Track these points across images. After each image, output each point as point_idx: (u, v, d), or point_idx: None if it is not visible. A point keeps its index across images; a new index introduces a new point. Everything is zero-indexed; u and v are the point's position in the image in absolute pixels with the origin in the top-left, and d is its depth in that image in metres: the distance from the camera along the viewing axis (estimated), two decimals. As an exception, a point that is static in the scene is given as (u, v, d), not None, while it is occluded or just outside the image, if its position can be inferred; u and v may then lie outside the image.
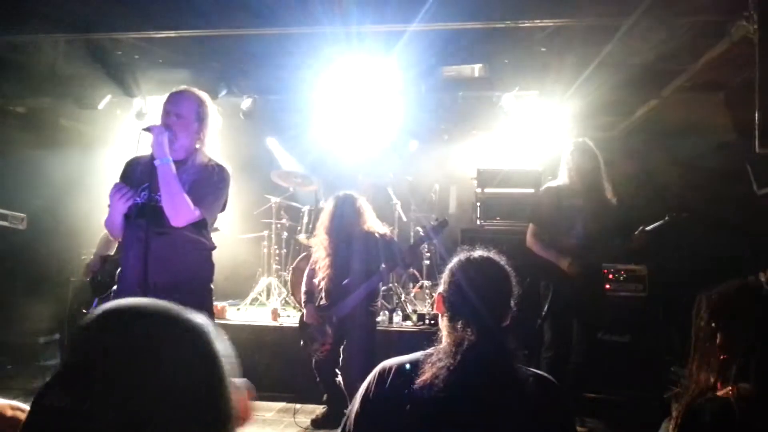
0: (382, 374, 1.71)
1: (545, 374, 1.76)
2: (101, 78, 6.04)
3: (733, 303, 1.82)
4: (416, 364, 1.68)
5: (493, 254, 1.88)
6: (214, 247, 3.17)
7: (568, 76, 5.63)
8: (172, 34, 5.08)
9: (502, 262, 1.86)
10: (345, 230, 4.56)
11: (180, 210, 2.86)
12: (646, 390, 4.82)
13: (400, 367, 1.71)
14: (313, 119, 7.52)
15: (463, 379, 1.60)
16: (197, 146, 3.05)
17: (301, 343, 4.56)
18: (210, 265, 3.14)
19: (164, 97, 3.08)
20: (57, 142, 6.89)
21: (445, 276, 1.88)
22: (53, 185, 6.38)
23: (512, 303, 1.81)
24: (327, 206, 4.78)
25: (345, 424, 1.72)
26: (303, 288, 4.76)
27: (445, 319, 1.81)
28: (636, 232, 4.13)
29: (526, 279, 4.02)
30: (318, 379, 4.53)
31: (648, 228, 4.10)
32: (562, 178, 4.40)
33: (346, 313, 4.34)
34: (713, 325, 1.81)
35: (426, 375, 1.61)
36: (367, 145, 7.96)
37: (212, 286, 3.15)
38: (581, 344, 4.28)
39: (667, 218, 4.02)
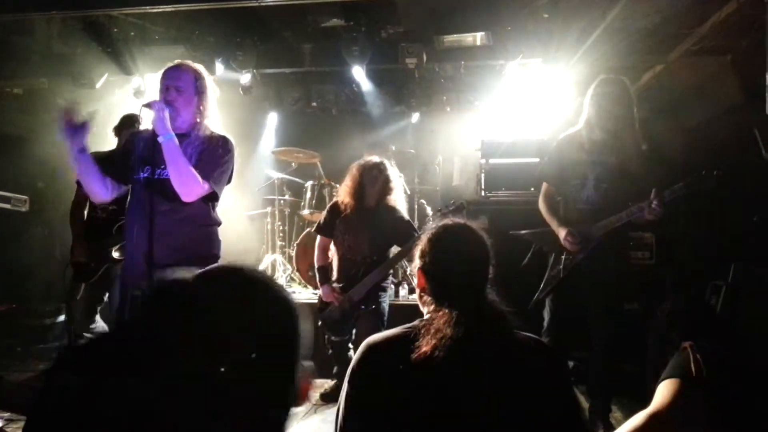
0: (369, 351, 1.67)
1: (541, 340, 1.75)
2: (98, 57, 5.97)
3: None
4: (405, 339, 1.65)
5: (466, 221, 1.85)
6: (219, 223, 3.14)
7: (572, 43, 5.54)
8: (168, 8, 4.98)
9: (476, 227, 1.83)
10: (371, 200, 4.29)
11: (189, 185, 2.83)
12: (652, 357, 4.83)
13: (388, 342, 1.67)
14: (314, 92, 7.46)
15: (463, 349, 1.57)
16: (198, 119, 3.01)
17: (319, 323, 4.33)
18: (217, 241, 3.11)
19: (161, 73, 3.03)
20: (55, 122, 6.85)
21: (423, 248, 1.83)
22: (54, 166, 6.34)
23: (491, 268, 1.78)
24: (352, 170, 4.39)
25: (338, 409, 1.69)
26: (316, 263, 4.47)
27: (428, 292, 1.78)
28: (651, 198, 3.26)
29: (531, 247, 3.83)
30: (330, 353, 4.42)
31: (665, 192, 3.26)
32: (580, 125, 3.64)
33: (365, 293, 4.14)
34: None
35: (425, 347, 1.58)
36: (369, 117, 7.91)
37: (217, 260, 3.09)
38: (600, 337, 3.59)
39: (689, 179, 3.24)
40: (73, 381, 1.48)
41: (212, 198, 3.01)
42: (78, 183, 4.44)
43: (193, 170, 2.84)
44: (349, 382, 1.67)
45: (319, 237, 4.50)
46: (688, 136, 5.86)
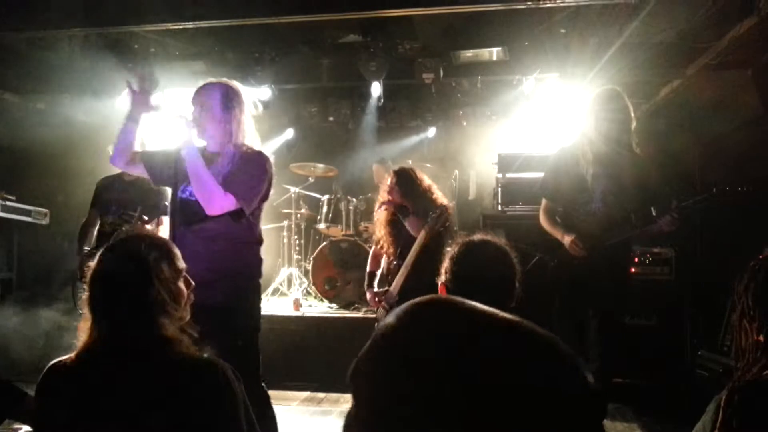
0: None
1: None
2: (118, 72, 6.05)
3: None
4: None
5: (490, 236, 1.83)
6: (256, 240, 3.05)
7: (589, 58, 5.53)
8: (188, 25, 5.06)
9: (501, 243, 1.81)
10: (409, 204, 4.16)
11: (211, 195, 2.75)
12: (673, 374, 4.77)
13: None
14: (330, 107, 7.51)
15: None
16: (229, 136, 2.93)
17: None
18: (250, 258, 3.01)
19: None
20: (76, 137, 6.93)
21: (446, 265, 1.83)
22: (74, 180, 6.42)
23: (516, 283, 1.76)
24: (385, 180, 4.34)
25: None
26: (367, 268, 4.46)
27: None
28: (671, 208, 3.28)
29: (533, 258, 3.76)
30: None
31: (686, 204, 3.30)
32: (579, 139, 3.64)
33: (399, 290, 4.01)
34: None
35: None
36: (385, 132, 7.95)
37: (256, 280, 3.04)
38: (598, 344, 3.51)
39: (713, 191, 3.28)
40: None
41: (239, 215, 2.87)
42: (92, 204, 4.59)
43: (216, 183, 2.76)
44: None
45: (373, 246, 4.51)
46: (706, 149, 5.83)
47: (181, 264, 1.71)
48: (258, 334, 2.98)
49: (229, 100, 2.95)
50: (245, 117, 3.02)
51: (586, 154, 3.51)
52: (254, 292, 3.03)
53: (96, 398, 1.54)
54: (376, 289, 4.22)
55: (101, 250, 1.69)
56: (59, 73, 6.27)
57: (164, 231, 4.22)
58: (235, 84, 3.06)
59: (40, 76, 6.25)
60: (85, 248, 4.47)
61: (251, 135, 3.06)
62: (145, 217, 4.27)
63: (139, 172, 3.12)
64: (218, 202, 2.77)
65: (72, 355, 1.65)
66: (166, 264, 1.66)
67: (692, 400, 4.24)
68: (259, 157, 2.98)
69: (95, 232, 4.58)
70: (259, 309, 3.08)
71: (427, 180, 4.23)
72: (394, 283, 4.02)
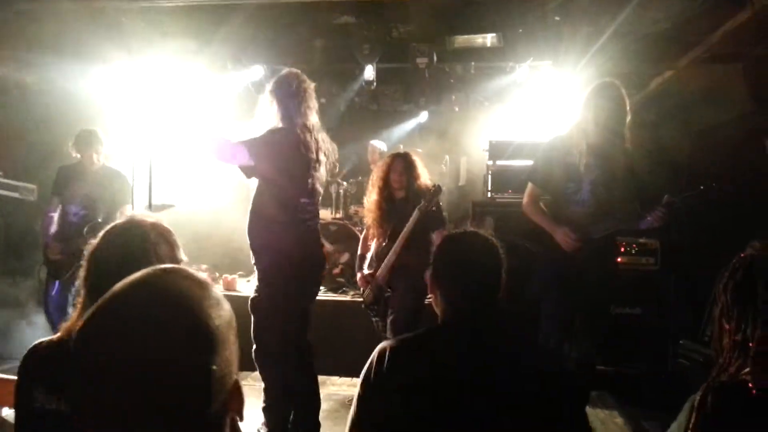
0: (382, 355, 1.66)
1: (553, 356, 1.74)
2: (106, 47, 5.97)
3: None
4: (418, 344, 1.66)
5: (477, 229, 1.86)
6: (276, 218, 3.28)
7: (581, 46, 5.53)
8: (180, 3, 5.00)
9: (487, 235, 1.83)
10: (397, 188, 4.22)
11: (221, 151, 3.21)
12: (654, 363, 4.84)
13: (401, 348, 1.68)
14: (322, 89, 7.46)
15: (470, 359, 1.59)
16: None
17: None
18: (267, 234, 3.29)
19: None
20: (64, 112, 6.86)
21: (433, 257, 1.86)
22: (58, 156, 6.36)
23: (503, 274, 1.78)
24: (380, 162, 4.39)
25: (351, 413, 1.69)
26: (358, 251, 4.49)
27: (439, 298, 1.79)
28: (662, 204, 3.27)
29: (520, 248, 3.78)
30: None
31: (676, 199, 3.27)
32: (573, 129, 3.61)
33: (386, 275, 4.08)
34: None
35: (436, 356, 1.59)
36: (377, 115, 7.93)
37: (264, 255, 3.32)
38: (585, 335, 3.52)
39: (702, 188, 3.25)
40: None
41: (248, 170, 3.25)
42: (52, 194, 4.88)
43: (220, 139, 3.18)
44: (361, 384, 1.68)
45: (365, 230, 4.55)
46: (696, 140, 5.86)
47: (181, 255, 1.72)
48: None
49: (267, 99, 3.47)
50: (280, 101, 3.42)
51: (581, 145, 3.49)
52: (262, 266, 3.40)
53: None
54: (366, 271, 4.26)
55: (105, 229, 1.70)
56: (45, 47, 6.17)
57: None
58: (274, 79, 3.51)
59: (25, 50, 6.16)
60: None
61: (274, 116, 3.41)
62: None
63: None
64: (222, 152, 3.26)
65: (59, 334, 1.66)
66: (167, 247, 1.69)
67: (673, 388, 4.31)
68: (271, 127, 3.37)
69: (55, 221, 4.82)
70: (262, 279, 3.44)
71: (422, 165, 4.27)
72: (383, 265, 4.07)
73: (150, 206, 4.08)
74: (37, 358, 1.64)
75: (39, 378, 1.60)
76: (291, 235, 3.29)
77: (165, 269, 0.84)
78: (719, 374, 1.53)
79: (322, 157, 3.47)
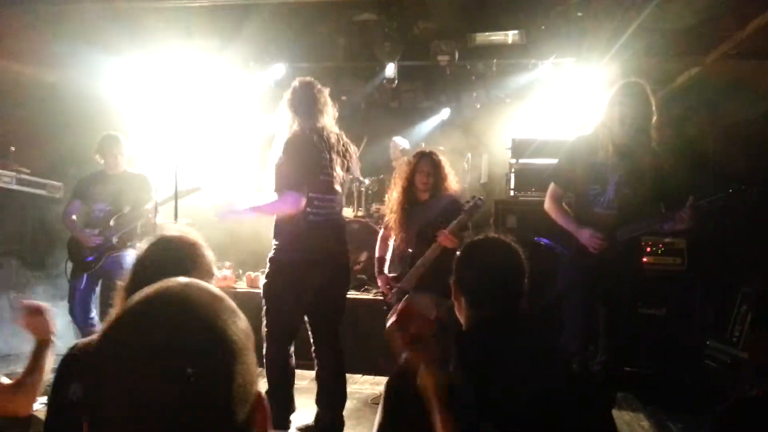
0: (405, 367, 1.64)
1: (578, 360, 1.73)
2: (130, 48, 6.04)
3: None
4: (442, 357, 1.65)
5: (499, 235, 1.85)
6: (288, 221, 3.44)
7: (605, 42, 5.46)
8: (205, 3, 5.04)
9: (507, 240, 1.82)
10: (422, 189, 4.11)
11: (273, 212, 3.52)
12: (681, 364, 4.77)
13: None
14: (344, 86, 7.47)
15: (495, 365, 1.58)
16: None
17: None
18: (279, 234, 3.51)
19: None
20: (87, 110, 6.94)
21: (455, 264, 1.84)
22: (84, 152, 6.44)
23: (525, 279, 1.77)
24: (403, 160, 4.39)
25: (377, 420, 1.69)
26: (376, 253, 4.37)
27: (463, 305, 1.77)
28: (686, 206, 3.18)
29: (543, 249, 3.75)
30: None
31: (702, 202, 3.19)
32: (597, 128, 3.53)
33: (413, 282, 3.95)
34: None
35: (461, 362, 1.59)
36: (398, 113, 7.91)
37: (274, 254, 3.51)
38: (610, 337, 3.47)
39: (730, 191, 3.18)
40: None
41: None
42: (72, 198, 5.02)
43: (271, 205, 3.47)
44: (385, 394, 1.68)
45: (382, 229, 4.42)
46: (722, 136, 5.76)
47: (214, 270, 1.86)
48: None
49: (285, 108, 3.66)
50: (290, 108, 3.61)
51: (607, 145, 3.43)
52: (272, 264, 3.60)
53: None
54: (388, 274, 4.16)
55: (152, 240, 1.82)
56: (70, 46, 6.26)
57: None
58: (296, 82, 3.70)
59: (51, 50, 6.25)
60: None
61: (291, 121, 3.60)
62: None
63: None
64: (284, 208, 3.45)
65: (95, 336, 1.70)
66: (205, 262, 1.81)
67: (699, 390, 4.25)
68: (285, 143, 3.49)
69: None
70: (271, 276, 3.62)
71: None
72: (411, 271, 3.96)
73: (176, 192, 4.11)
74: (74, 357, 1.72)
75: (76, 375, 1.67)
76: (290, 228, 3.45)
77: (181, 281, 0.84)
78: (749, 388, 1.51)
79: (335, 156, 3.53)
